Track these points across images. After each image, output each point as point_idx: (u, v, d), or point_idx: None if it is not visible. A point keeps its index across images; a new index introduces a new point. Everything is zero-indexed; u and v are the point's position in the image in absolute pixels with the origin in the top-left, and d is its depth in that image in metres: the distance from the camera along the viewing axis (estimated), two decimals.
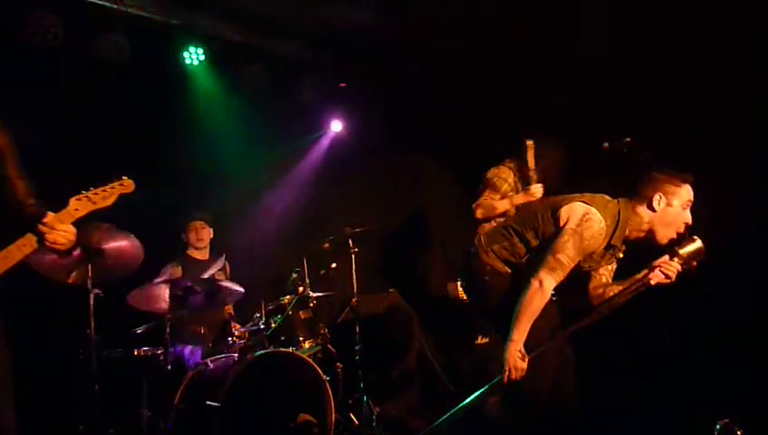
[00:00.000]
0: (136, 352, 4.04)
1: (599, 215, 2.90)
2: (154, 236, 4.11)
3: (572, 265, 2.88)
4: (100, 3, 4.73)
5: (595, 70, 4.53)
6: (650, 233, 2.97)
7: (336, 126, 6.21)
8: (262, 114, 5.52)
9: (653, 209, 2.92)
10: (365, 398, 4.67)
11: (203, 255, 4.93)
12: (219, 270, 4.70)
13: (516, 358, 2.82)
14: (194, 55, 5.19)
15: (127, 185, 2.63)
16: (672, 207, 2.91)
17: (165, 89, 5.21)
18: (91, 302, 3.59)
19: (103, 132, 4.74)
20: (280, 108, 5.69)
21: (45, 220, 2.40)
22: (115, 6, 4.76)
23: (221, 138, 5.44)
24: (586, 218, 2.88)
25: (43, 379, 4.02)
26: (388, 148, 6.21)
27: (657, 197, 2.91)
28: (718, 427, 3.21)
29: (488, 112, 5.21)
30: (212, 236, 4.96)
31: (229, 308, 4.81)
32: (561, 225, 2.93)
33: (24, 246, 2.40)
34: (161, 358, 3.99)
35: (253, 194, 5.80)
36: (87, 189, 2.54)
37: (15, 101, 3.46)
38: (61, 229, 2.42)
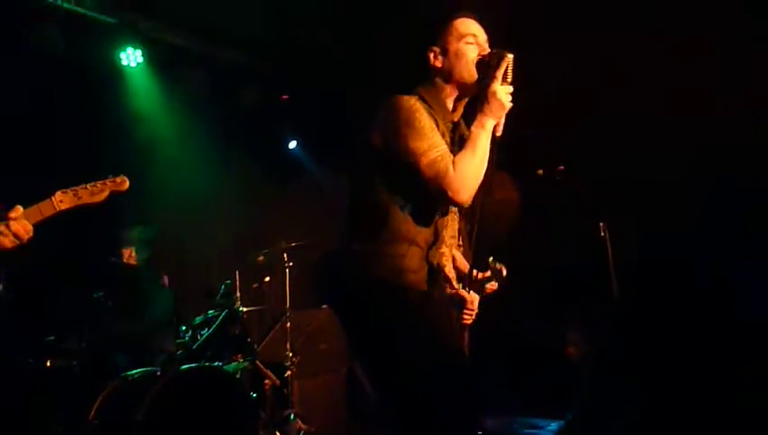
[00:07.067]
0: (49, 363, 3.81)
1: None
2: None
3: None
4: None
5: None
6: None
7: (292, 144, 6.27)
8: (201, 120, 5.39)
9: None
10: (292, 416, 4.59)
11: None
12: None
13: None
14: (132, 56, 5.03)
15: (120, 182, 2.54)
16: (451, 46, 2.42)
17: (101, 87, 5.02)
18: None
19: (34, 124, 4.52)
20: (220, 115, 5.57)
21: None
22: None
23: (157, 141, 5.27)
24: None
25: None
26: (329, 161, 6.18)
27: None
28: None
29: None
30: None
31: None
32: None
33: None
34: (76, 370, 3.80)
35: (188, 202, 5.63)
36: (78, 184, 2.47)
37: None
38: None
